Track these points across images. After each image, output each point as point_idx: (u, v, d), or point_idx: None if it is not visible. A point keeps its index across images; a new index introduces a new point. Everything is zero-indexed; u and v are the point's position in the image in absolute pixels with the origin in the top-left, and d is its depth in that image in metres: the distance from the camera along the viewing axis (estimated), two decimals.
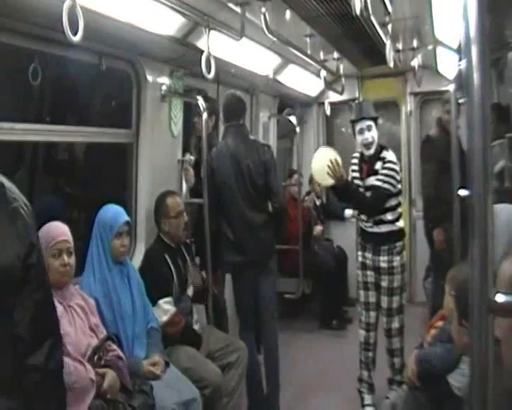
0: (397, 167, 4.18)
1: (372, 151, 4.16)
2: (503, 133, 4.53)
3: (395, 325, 4.24)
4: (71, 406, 2.29)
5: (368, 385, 4.39)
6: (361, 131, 4.19)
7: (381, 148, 4.22)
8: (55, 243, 2.65)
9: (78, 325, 2.64)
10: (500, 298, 0.94)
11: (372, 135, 4.16)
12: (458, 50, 4.68)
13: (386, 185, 4.07)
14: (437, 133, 5.31)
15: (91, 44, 3.16)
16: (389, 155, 4.20)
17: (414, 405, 2.71)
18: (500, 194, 3.09)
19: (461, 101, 4.36)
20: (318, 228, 6.64)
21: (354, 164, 4.36)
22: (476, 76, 0.92)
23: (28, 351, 1.31)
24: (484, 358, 0.94)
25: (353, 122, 4.31)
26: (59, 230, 2.70)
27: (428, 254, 5.77)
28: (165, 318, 3.41)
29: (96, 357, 2.62)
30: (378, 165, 4.14)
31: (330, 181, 4.06)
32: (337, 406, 4.44)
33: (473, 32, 0.92)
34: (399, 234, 4.27)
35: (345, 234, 7.06)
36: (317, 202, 6.86)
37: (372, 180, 4.14)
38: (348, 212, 6.69)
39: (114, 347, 2.76)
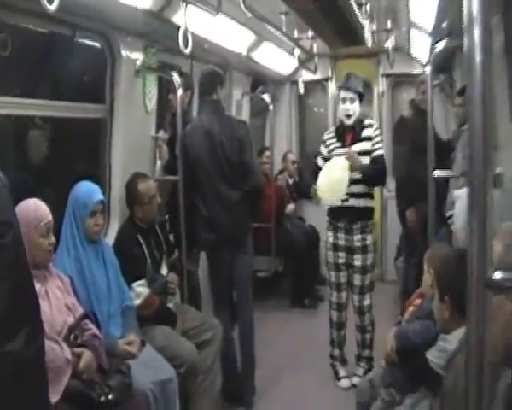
0: None
1: (351, 121, 4.26)
2: None
3: (366, 302, 4.36)
4: None
5: (340, 360, 4.54)
6: (344, 101, 4.29)
7: (361, 118, 4.34)
8: (46, 223, 2.61)
9: (53, 303, 2.59)
10: (498, 275, 0.94)
11: (353, 108, 4.26)
12: (433, 33, 4.69)
13: (383, 151, 4.27)
14: (410, 114, 5.35)
15: (65, 16, 3.07)
16: (374, 122, 4.45)
17: (391, 381, 2.74)
18: None
19: (434, 83, 4.40)
20: (290, 206, 6.64)
21: (330, 138, 4.43)
22: (478, 54, 0.91)
23: (6, 337, 1.23)
24: (481, 332, 0.95)
25: (339, 90, 4.42)
26: (44, 209, 2.64)
27: (399, 233, 5.86)
28: (138, 301, 3.37)
29: (71, 336, 2.57)
30: (368, 131, 4.27)
31: (337, 201, 4.16)
32: (311, 382, 4.49)
33: (475, 10, 0.90)
34: (371, 212, 4.41)
35: (317, 213, 7.04)
36: (290, 181, 6.87)
37: (361, 146, 4.22)
38: None
39: (91, 326, 2.71)
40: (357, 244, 4.26)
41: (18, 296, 1.28)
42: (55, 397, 2.30)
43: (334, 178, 4.15)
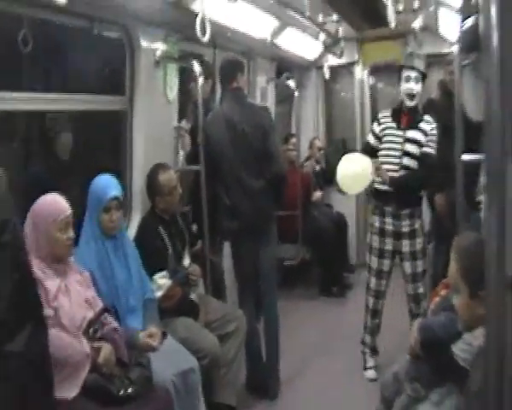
0: None
1: (414, 102, 4.13)
2: None
3: (421, 290, 4.25)
4: (66, 380, 2.28)
5: (371, 348, 4.46)
6: (407, 79, 4.14)
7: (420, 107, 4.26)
8: (64, 217, 2.60)
9: (73, 298, 2.58)
10: None
11: (417, 88, 4.12)
12: (461, 11, 4.55)
13: (435, 152, 4.12)
14: (439, 96, 5.21)
15: (82, 8, 3.06)
16: (432, 120, 4.21)
17: (416, 375, 2.67)
18: None
19: (464, 63, 4.27)
20: (317, 193, 6.56)
21: (385, 116, 4.30)
22: (495, 35, 0.85)
23: (6, 337, 1.21)
24: (501, 333, 0.90)
25: (402, 68, 4.24)
26: (63, 203, 2.64)
27: (429, 219, 5.75)
28: (159, 293, 3.34)
29: (91, 330, 2.57)
30: (426, 126, 4.14)
31: (358, 189, 4.12)
32: (338, 372, 4.44)
33: None
34: (420, 199, 4.30)
35: (344, 200, 6.98)
36: (317, 168, 6.79)
37: (416, 134, 4.11)
38: None
39: (110, 319, 2.71)
40: (405, 230, 4.15)
41: (18, 297, 1.26)
42: (73, 392, 2.33)
43: (355, 167, 4.09)
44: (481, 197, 4.32)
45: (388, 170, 4.11)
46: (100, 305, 2.73)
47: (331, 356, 4.71)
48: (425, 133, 4.11)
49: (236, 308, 3.96)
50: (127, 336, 2.78)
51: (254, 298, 4.18)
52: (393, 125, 4.19)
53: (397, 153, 4.10)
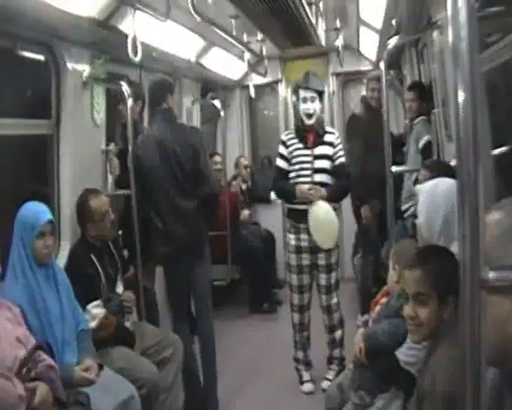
0: None
1: (313, 121, 4.22)
2: (424, 110, 4.66)
3: (334, 300, 4.33)
4: None
5: (305, 363, 4.49)
6: (304, 100, 4.24)
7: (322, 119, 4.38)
8: None
9: (3, 337, 2.40)
10: (492, 275, 0.92)
11: (314, 107, 4.23)
12: (382, 30, 4.71)
13: (344, 159, 4.29)
14: (362, 111, 5.38)
15: (4, 27, 2.92)
16: (335, 130, 4.47)
17: (361, 383, 2.69)
18: (438, 167, 3.17)
19: (387, 78, 4.42)
20: (245, 212, 6.58)
21: (290, 138, 4.36)
22: (464, 45, 0.90)
23: None
24: (477, 335, 0.93)
25: (298, 89, 4.34)
26: None
27: (354, 231, 5.89)
28: (93, 323, 3.21)
29: (24, 370, 2.39)
30: (331, 137, 4.27)
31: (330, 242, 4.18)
32: (276, 388, 4.44)
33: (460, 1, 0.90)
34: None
35: (271, 216, 7.06)
36: (243, 187, 6.81)
37: (324, 149, 4.21)
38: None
39: (45, 356, 2.53)
40: None
41: None
42: None
43: (324, 225, 4.15)
44: (405, 206, 4.49)
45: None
46: (32, 342, 2.56)
47: (268, 372, 4.71)
48: (332, 145, 4.23)
49: (172, 333, 3.87)
50: (63, 372, 2.61)
51: (188, 321, 4.14)
52: (300, 145, 4.27)
53: (307, 172, 4.19)
